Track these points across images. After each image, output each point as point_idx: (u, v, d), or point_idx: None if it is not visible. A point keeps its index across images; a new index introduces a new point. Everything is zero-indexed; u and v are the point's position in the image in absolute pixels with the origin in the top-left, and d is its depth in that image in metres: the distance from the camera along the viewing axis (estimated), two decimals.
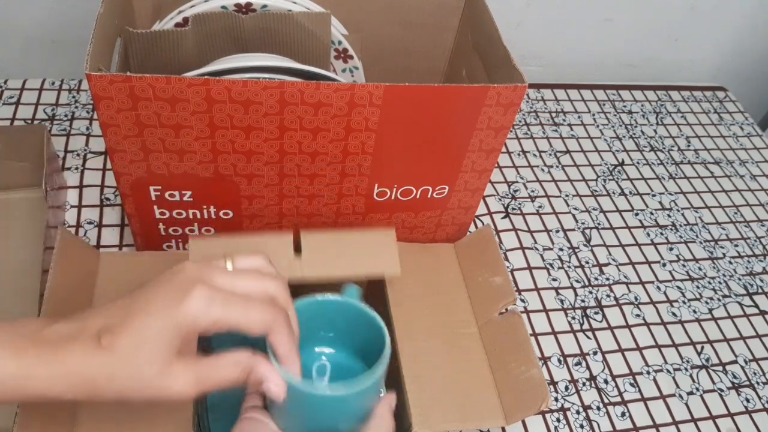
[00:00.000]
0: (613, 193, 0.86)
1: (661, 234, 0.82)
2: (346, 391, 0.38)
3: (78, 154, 0.75)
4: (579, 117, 0.96)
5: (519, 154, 0.88)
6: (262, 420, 0.41)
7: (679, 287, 0.76)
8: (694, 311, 0.74)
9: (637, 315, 0.72)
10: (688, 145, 0.96)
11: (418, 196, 0.61)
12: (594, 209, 0.83)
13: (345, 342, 0.47)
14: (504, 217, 0.79)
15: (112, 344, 0.34)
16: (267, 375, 0.37)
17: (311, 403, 0.39)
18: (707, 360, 0.70)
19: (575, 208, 0.82)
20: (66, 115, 0.78)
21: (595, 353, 0.68)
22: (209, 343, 0.56)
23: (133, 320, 0.35)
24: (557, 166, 0.87)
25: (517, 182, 0.84)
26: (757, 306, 0.76)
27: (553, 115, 0.95)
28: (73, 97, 0.81)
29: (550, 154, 0.89)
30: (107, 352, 0.34)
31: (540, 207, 0.81)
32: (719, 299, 0.76)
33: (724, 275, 0.79)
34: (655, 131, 0.97)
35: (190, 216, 0.58)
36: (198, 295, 0.35)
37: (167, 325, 0.35)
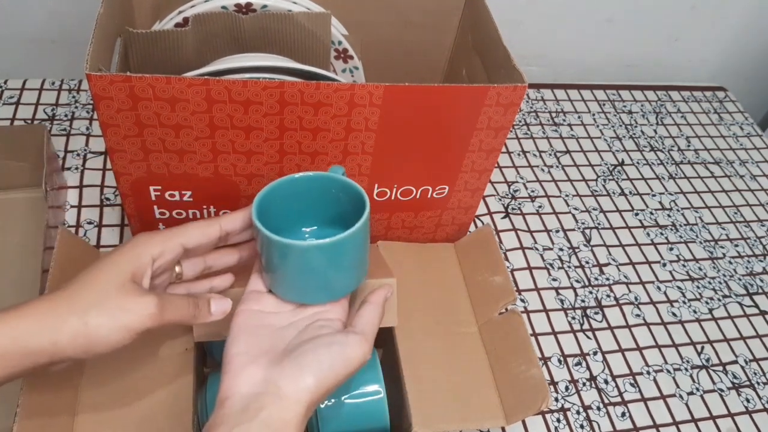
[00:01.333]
0: (613, 193, 0.86)
1: (661, 234, 0.82)
2: (325, 241, 0.41)
3: (78, 154, 0.75)
4: (579, 117, 0.96)
5: (519, 154, 0.88)
6: (255, 309, 0.44)
7: (679, 287, 0.76)
8: (695, 311, 0.74)
9: (637, 315, 0.72)
10: (688, 145, 0.96)
11: (418, 196, 0.61)
12: (594, 209, 0.83)
13: (329, 219, 0.48)
14: (504, 217, 0.79)
15: (70, 282, 0.39)
16: (210, 300, 0.44)
17: (297, 257, 0.42)
18: (707, 360, 0.70)
19: (575, 208, 0.82)
20: (66, 115, 0.78)
21: (595, 353, 0.68)
22: (210, 350, 0.56)
23: (83, 271, 0.40)
24: (557, 166, 0.87)
25: (517, 182, 0.84)
26: (757, 306, 0.76)
27: (553, 115, 0.95)
28: (73, 97, 0.81)
29: (550, 154, 0.89)
30: (66, 288, 0.39)
31: (540, 207, 0.81)
32: (719, 299, 0.76)
33: (724, 275, 0.79)
34: (655, 131, 0.97)
35: (190, 216, 0.58)
36: (138, 234, 0.43)
37: (115, 258, 0.40)
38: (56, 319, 0.37)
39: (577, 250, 0.77)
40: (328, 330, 0.42)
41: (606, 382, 0.66)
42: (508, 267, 0.74)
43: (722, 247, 0.82)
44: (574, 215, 0.81)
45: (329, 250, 0.42)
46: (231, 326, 0.42)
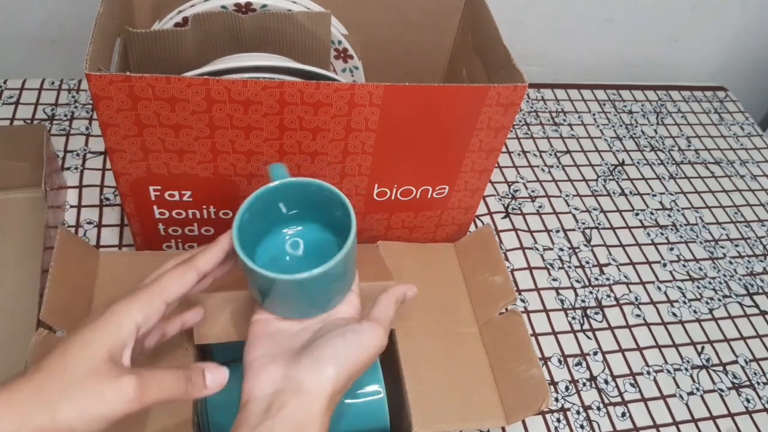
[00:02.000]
0: (614, 193, 0.86)
1: (662, 234, 0.82)
2: (313, 273, 0.39)
3: (77, 154, 0.75)
4: (579, 117, 0.96)
5: (519, 154, 0.88)
6: (268, 318, 0.43)
7: (679, 287, 0.76)
8: (695, 311, 0.74)
9: (638, 315, 0.72)
10: (689, 145, 0.96)
11: (418, 196, 0.61)
12: (594, 209, 0.83)
13: (311, 217, 0.47)
14: (504, 217, 0.79)
15: (37, 368, 0.34)
16: (204, 370, 0.39)
17: (288, 289, 0.41)
18: (707, 360, 0.70)
19: (575, 208, 0.82)
20: (65, 115, 0.78)
21: (595, 353, 0.68)
22: (213, 356, 0.56)
23: (56, 348, 0.35)
24: (557, 166, 0.87)
25: (517, 182, 0.84)
26: (757, 306, 0.76)
27: (554, 114, 0.95)
28: (73, 96, 0.81)
29: (551, 154, 0.89)
30: (32, 376, 0.34)
31: (540, 207, 0.81)
32: (720, 299, 0.76)
33: (724, 275, 0.79)
34: (655, 131, 0.97)
35: (190, 216, 0.58)
36: (115, 303, 0.37)
37: (89, 335, 0.36)
38: (21, 415, 0.32)
39: (577, 250, 0.77)
40: (342, 324, 0.42)
41: (606, 382, 0.66)
42: (508, 267, 0.74)
43: (722, 247, 0.82)
44: (574, 215, 0.81)
45: (316, 279, 0.41)
46: (248, 335, 0.42)
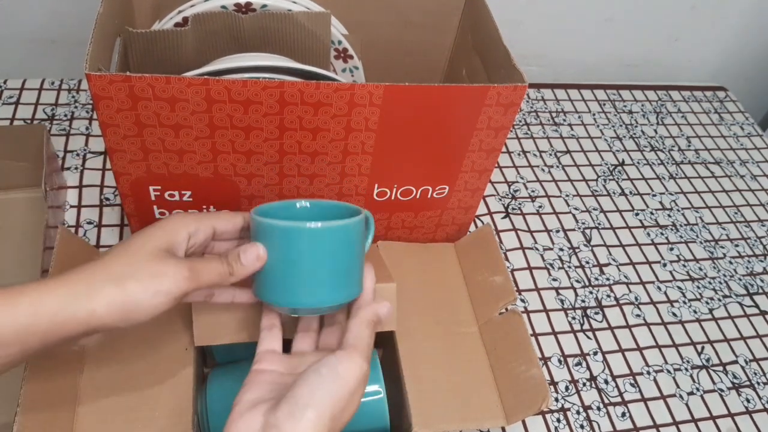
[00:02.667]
0: (614, 193, 0.86)
1: (662, 234, 0.82)
2: (323, 224, 0.41)
3: (77, 154, 0.75)
4: (579, 117, 0.96)
5: (519, 154, 0.88)
6: (269, 370, 0.42)
7: (679, 287, 0.76)
8: (695, 311, 0.74)
9: (638, 315, 0.72)
10: (689, 145, 0.96)
11: (418, 196, 0.61)
12: (594, 209, 0.83)
13: None
14: (504, 217, 0.79)
15: (103, 255, 0.40)
16: (239, 253, 0.42)
17: (293, 240, 0.42)
18: (707, 360, 0.70)
19: (575, 208, 0.82)
20: (65, 115, 0.78)
21: (595, 353, 0.68)
22: (213, 356, 0.56)
23: (118, 244, 0.41)
24: (557, 166, 0.87)
25: (517, 182, 0.84)
26: (757, 306, 0.76)
27: (554, 114, 0.95)
28: (73, 96, 0.81)
29: (551, 154, 0.89)
30: (100, 259, 0.39)
31: (540, 207, 0.81)
32: (720, 299, 0.76)
33: (724, 275, 0.79)
34: (655, 131, 0.97)
35: None
36: (172, 214, 0.43)
37: (150, 232, 0.41)
38: (92, 288, 0.37)
39: (577, 250, 0.77)
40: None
41: (606, 382, 0.66)
42: (508, 267, 0.74)
43: (722, 247, 0.82)
44: (574, 215, 0.81)
45: (322, 235, 0.41)
46: (244, 381, 0.41)
